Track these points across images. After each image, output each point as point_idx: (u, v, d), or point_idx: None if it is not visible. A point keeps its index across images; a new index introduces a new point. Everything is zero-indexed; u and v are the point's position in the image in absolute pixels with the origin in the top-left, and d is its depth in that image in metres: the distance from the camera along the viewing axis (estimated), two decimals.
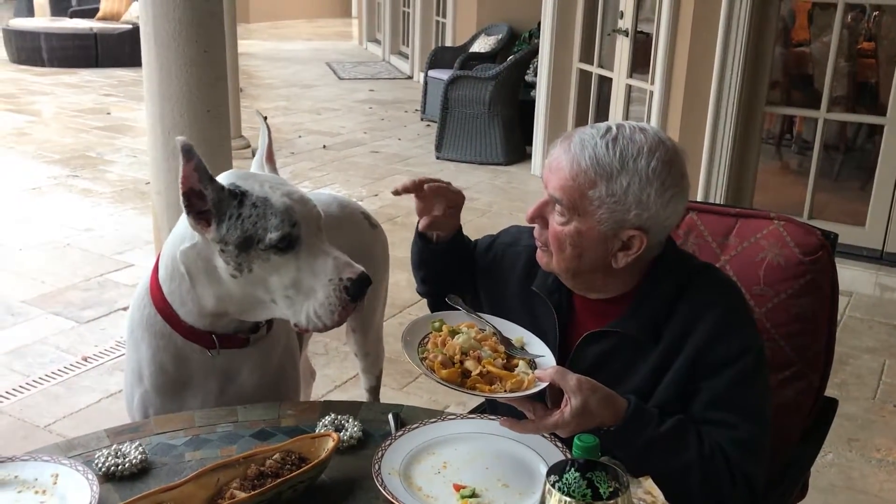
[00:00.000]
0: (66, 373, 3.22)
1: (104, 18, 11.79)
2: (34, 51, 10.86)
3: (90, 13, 12.20)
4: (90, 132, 7.39)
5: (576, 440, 0.98)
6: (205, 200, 1.38)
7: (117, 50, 11.00)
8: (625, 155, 1.28)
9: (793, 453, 1.63)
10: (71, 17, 12.32)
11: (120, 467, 1.27)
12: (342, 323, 1.43)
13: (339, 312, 1.39)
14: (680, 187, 1.31)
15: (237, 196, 1.40)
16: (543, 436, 1.34)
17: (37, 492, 1.22)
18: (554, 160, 1.34)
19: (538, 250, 1.42)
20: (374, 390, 2.34)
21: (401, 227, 4.82)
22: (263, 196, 1.40)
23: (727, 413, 1.29)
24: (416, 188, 1.45)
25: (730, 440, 1.28)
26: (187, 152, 1.34)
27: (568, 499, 0.80)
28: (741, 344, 1.32)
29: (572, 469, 0.84)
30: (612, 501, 0.80)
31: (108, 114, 8.21)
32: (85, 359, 3.33)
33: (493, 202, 5.56)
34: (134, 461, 1.28)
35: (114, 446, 1.31)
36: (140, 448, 1.31)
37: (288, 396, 1.70)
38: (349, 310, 1.40)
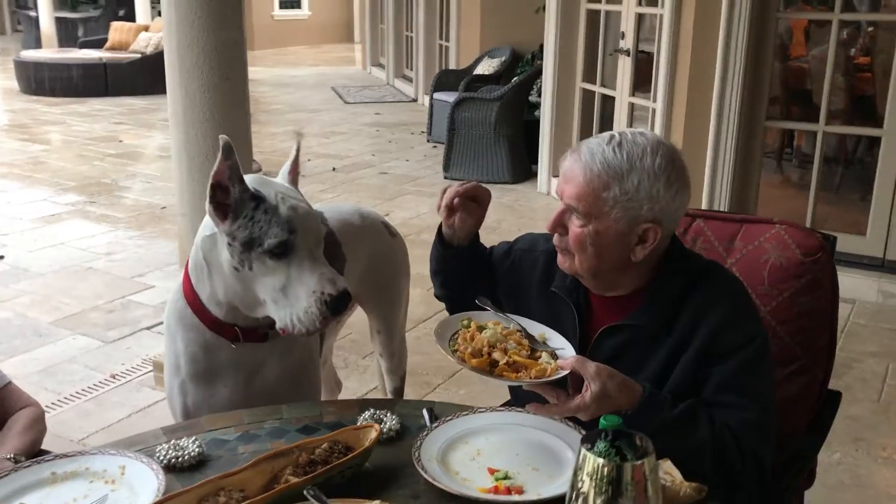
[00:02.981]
0: (96, 390, 3.34)
1: (113, 48, 12.03)
2: (45, 81, 11.09)
3: (99, 44, 12.46)
4: (104, 160, 7.55)
5: (602, 420, 1.09)
6: (228, 195, 1.53)
7: (127, 79, 11.22)
8: (632, 156, 1.41)
9: (800, 442, 1.73)
10: (80, 47, 12.56)
11: (180, 459, 1.38)
12: (322, 331, 1.59)
13: (319, 321, 1.52)
14: (683, 180, 1.44)
15: (256, 200, 1.54)
16: (568, 425, 1.44)
17: (106, 482, 1.33)
18: (567, 171, 1.47)
19: (559, 255, 1.53)
20: (399, 391, 2.45)
21: (411, 244, 4.93)
22: (274, 205, 1.54)
23: (735, 396, 1.40)
24: (451, 201, 1.58)
25: (739, 421, 1.38)
26: (227, 150, 1.49)
27: (602, 460, 0.91)
28: (747, 334, 1.44)
29: (604, 438, 0.95)
30: (639, 462, 0.91)
31: (121, 141, 8.38)
32: (113, 376, 3.45)
33: (502, 220, 5.68)
34: (192, 453, 1.39)
35: (172, 441, 1.42)
36: (197, 442, 1.42)
37: (310, 393, 1.83)
38: (329, 321, 1.53)
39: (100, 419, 3.12)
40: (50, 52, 12.59)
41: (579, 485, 0.93)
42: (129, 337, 3.81)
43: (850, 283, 4.24)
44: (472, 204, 1.61)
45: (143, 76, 11.20)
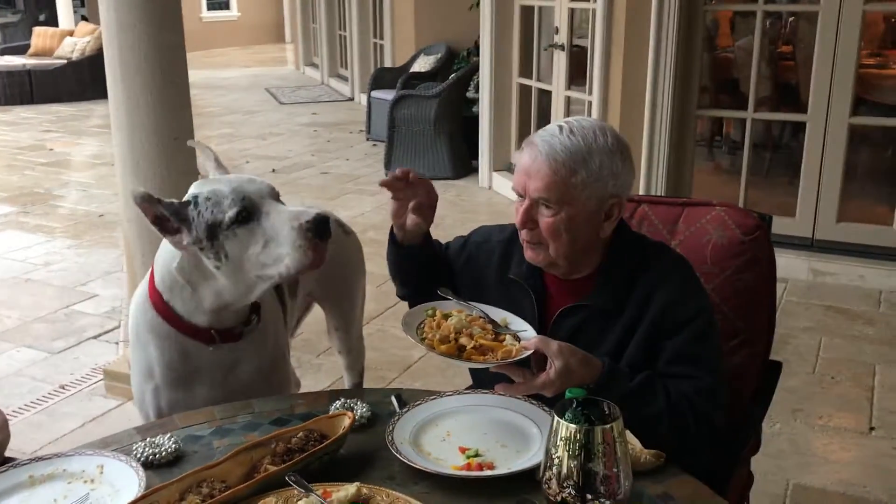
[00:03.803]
0: (46, 401, 3.29)
1: (36, 54, 11.69)
2: None
3: (21, 50, 12.09)
4: (35, 169, 7.37)
5: (567, 392, 1.16)
6: (168, 220, 1.57)
7: (53, 86, 10.94)
8: (587, 139, 1.50)
9: (746, 410, 1.83)
10: (1, 54, 12.17)
11: (157, 456, 1.41)
12: (319, 260, 1.58)
13: (311, 250, 1.54)
14: (630, 155, 1.56)
15: (190, 201, 1.58)
16: (531, 403, 1.51)
17: (85, 481, 1.35)
18: (528, 166, 1.52)
19: (529, 251, 1.58)
20: (358, 387, 2.50)
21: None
22: (213, 189, 1.59)
23: (687, 366, 1.50)
24: (402, 178, 1.60)
25: (691, 389, 1.48)
26: (141, 200, 1.54)
27: (574, 426, 0.98)
28: (695, 308, 1.53)
29: (574, 407, 1.02)
30: (608, 426, 0.99)
31: (51, 150, 8.18)
32: (62, 387, 3.40)
33: (446, 215, 5.75)
34: (169, 450, 1.42)
35: (148, 439, 1.44)
36: (173, 438, 1.45)
37: (282, 388, 1.87)
38: (319, 248, 1.56)
39: (52, 430, 3.08)
40: None
41: (553, 450, 1.00)
42: (75, 347, 3.75)
43: (783, 262, 4.39)
44: (428, 211, 1.64)
45: (71, 82, 10.94)
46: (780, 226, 4.51)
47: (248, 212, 1.56)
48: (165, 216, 1.57)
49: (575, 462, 0.98)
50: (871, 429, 3.02)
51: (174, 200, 1.59)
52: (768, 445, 2.88)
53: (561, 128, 1.53)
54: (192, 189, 1.63)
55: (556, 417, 1.00)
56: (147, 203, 1.55)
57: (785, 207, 4.67)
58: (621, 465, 1.00)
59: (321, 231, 1.55)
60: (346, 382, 2.52)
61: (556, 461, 1.00)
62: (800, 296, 4.26)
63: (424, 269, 1.75)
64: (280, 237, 1.55)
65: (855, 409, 3.16)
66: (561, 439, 0.99)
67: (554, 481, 1.01)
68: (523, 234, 1.57)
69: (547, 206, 1.51)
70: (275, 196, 1.63)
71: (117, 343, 3.73)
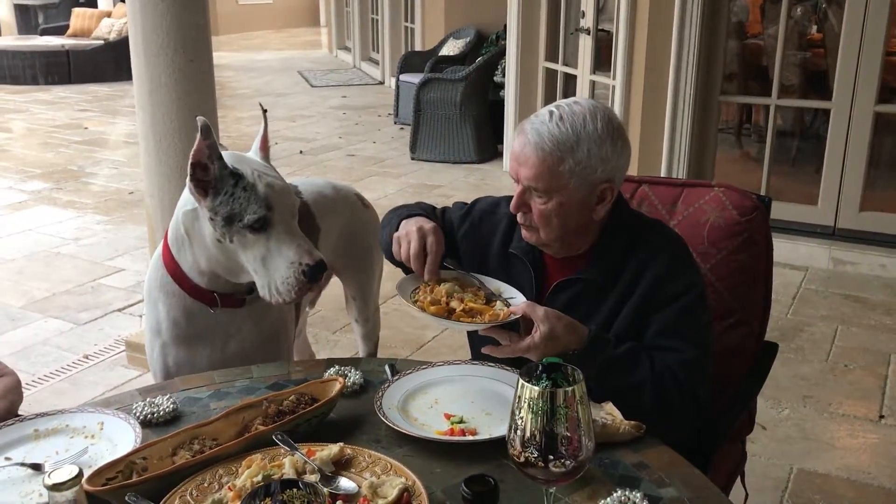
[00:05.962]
0: (70, 370, 3.40)
1: (75, 35, 11.90)
2: (6, 69, 10.95)
3: (60, 30, 12.31)
4: (69, 147, 7.52)
5: (542, 361, 1.20)
6: (207, 173, 1.62)
7: (90, 66, 11.13)
8: (575, 126, 1.51)
9: (739, 389, 1.85)
10: (41, 34, 12.41)
11: (155, 415, 1.47)
12: (298, 299, 1.69)
13: (296, 290, 1.63)
14: (623, 136, 1.56)
15: (235, 177, 1.63)
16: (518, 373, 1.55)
17: (86, 437, 1.42)
18: (519, 154, 1.55)
19: (525, 231, 1.62)
20: (373, 356, 2.56)
21: None
22: (252, 182, 1.64)
23: (674, 340, 1.52)
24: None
25: (677, 362, 1.50)
26: (206, 130, 1.57)
27: (538, 388, 1.02)
28: (685, 283, 1.55)
29: (538, 370, 1.06)
30: (570, 388, 1.02)
31: (86, 128, 8.35)
32: (86, 357, 3.50)
33: (468, 199, 5.77)
34: (167, 409, 1.48)
35: (147, 399, 1.51)
36: (171, 399, 1.51)
37: (282, 355, 1.94)
38: (305, 289, 1.65)
39: (74, 397, 3.18)
40: (10, 39, 12.42)
41: (517, 412, 1.04)
42: (100, 319, 3.86)
43: (804, 250, 4.41)
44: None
45: (107, 63, 11.12)
46: (802, 214, 4.53)
47: (265, 223, 1.62)
48: (208, 168, 1.60)
49: (537, 423, 1.02)
50: (881, 417, 3.01)
51: (228, 166, 1.62)
52: (775, 430, 2.90)
53: (551, 114, 1.54)
54: (234, 163, 1.64)
55: (521, 380, 1.04)
56: (205, 141, 1.57)
57: (810, 196, 4.63)
58: (583, 426, 1.03)
59: (314, 276, 1.62)
60: (361, 352, 2.58)
61: (520, 422, 1.04)
62: (819, 284, 4.23)
63: None
64: (277, 264, 1.62)
65: (866, 397, 3.15)
66: (524, 401, 1.03)
67: (518, 441, 1.04)
68: (518, 217, 1.60)
69: (538, 194, 1.54)
70: (296, 215, 1.70)
71: (140, 316, 3.83)
